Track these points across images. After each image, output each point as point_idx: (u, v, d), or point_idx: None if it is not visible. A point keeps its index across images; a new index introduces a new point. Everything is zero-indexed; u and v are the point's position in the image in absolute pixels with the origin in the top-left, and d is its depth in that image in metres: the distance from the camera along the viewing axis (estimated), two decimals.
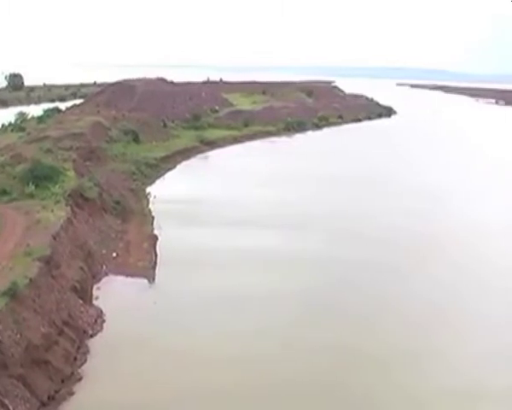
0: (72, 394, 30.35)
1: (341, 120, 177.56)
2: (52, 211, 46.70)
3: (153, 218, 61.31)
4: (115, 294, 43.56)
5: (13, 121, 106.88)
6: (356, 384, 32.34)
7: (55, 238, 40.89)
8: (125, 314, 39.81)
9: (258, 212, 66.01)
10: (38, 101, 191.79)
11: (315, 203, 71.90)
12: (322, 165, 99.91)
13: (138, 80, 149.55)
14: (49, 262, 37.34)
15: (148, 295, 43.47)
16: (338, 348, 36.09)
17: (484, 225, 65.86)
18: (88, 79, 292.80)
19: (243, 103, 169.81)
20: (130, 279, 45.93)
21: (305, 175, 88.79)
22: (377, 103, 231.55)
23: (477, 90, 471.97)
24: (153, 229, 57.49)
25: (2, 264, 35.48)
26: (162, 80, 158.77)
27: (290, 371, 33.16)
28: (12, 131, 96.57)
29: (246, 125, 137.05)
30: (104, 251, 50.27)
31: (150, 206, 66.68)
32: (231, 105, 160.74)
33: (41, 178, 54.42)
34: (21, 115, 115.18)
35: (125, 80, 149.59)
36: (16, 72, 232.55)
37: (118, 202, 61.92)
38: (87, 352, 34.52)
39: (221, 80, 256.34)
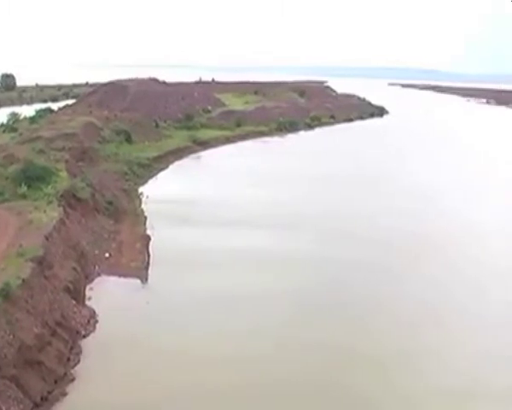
0: (65, 394, 30.36)
1: (333, 119, 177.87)
2: (45, 211, 46.63)
3: (145, 218, 61.26)
4: (108, 294, 43.53)
5: (5, 122, 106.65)
6: (350, 384, 32.40)
7: (47, 239, 40.85)
8: (118, 315, 39.82)
9: (251, 212, 66.09)
10: (31, 101, 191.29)
11: (307, 203, 72.04)
12: (314, 165, 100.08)
13: (131, 80, 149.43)
14: (41, 263, 37.30)
15: (141, 296, 43.46)
16: (331, 348, 36.18)
17: (476, 224, 66.17)
18: (80, 79, 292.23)
19: (235, 103, 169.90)
20: (122, 280, 45.90)
21: (297, 175, 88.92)
22: (369, 103, 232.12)
23: (468, 90, 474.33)
24: (145, 229, 57.46)
25: None
26: (154, 80, 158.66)
27: (283, 371, 33.23)
28: (4, 131, 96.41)
29: (238, 126, 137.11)
30: (97, 251, 50.23)
31: (143, 206, 66.61)
32: (224, 105, 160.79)
33: (33, 178, 54.33)
34: (13, 116, 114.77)
35: (117, 80, 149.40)
36: (8, 72, 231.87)
37: (110, 203, 61.86)
38: (80, 352, 34.52)
39: (213, 80, 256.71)
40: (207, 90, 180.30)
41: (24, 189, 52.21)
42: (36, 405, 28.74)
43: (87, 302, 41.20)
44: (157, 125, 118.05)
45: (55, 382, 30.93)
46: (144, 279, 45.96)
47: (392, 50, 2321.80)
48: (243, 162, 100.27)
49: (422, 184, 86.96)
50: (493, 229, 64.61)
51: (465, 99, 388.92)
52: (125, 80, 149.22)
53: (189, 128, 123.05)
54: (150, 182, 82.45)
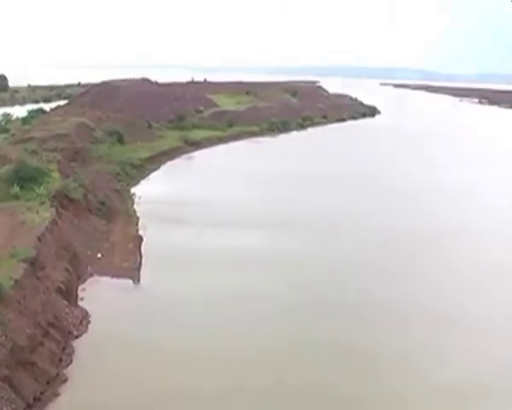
0: (57, 395, 30.30)
1: (326, 119, 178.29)
2: (37, 212, 46.52)
3: (138, 218, 61.27)
4: (100, 295, 43.46)
5: None
6: (348, 384, 32.26)
7: (40, 240, 40.81)
8: (110, 315, 39.83)
9: (244, 212, 66.16)
10: (23, 102, 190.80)
11: (301, 203, 72.12)
12: (307, 165, 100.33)
13: (123, 81, 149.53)
14: (34, 264, 37.25)
15: (133, 296, 43.50)
16: (328, 348, 36.07)
17: (470, 223, 66.48)
18: (72, 79, 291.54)
19: (227, 104, 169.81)
20: (115, 280, 45.87)
21: (290, 175, 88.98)
22: (361, 103, 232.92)
23: (461, 89, 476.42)
24: (138, 230, 57.48)
25: None
26: (147, 81, 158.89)
27: (279, 371, 33.18)
28: None
29: (230, 126, 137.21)
30: (89, 252, 50.22)
31: (135, 206, 66.63)
32: (215, 105, 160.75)
33: (26, 179, 54.18)
34: (6, 116, 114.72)
35: (109, 81, 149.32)
36: (0, 73, 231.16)
37: (103, 203, 61.84)
38: (72, 353, 34.47)
39: (205, 81, 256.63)
40: (199, 90, 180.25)
41: (16, 189, 52.05)
42: (28, 405, 28.67)
43: (79, 303, 41.15)
44: (149, 126, 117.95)
45: (48, 382, 30.87)
46: (136, 280, 45.97)
47: (384, 51, 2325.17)
48: (235, 162, 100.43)
49: (416, 182, 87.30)
50: (486, 227, 64.94)
51: (458, 99, 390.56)
52: (118, 81, 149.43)
53: (181, 129, 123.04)
54: (142, 182, 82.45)
